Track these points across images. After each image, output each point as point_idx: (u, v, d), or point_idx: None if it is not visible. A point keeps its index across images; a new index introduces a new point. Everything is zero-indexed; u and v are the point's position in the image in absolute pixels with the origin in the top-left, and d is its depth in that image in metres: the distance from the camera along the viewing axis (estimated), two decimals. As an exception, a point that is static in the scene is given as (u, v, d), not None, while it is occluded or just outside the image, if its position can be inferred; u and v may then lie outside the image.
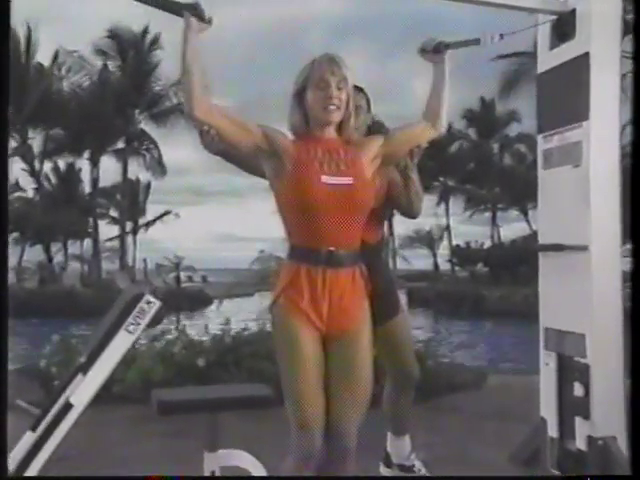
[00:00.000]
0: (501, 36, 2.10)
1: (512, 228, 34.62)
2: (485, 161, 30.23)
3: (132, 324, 1.71)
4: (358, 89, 2.33)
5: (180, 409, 2.00)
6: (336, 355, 1.82)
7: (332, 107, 1.81)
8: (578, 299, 2.51)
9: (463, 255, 29.69)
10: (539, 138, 2.75)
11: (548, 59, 2.71)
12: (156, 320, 1.76)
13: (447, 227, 33.40)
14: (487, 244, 30.38)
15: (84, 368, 1.70)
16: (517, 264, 20.94)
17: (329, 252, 1.79)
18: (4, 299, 1.59)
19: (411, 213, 2.40)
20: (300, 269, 1.80)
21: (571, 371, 2.53)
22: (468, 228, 37.21)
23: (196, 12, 1.71)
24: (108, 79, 24.45)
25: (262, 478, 1.99)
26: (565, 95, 2.61)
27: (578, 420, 2.47)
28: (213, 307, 17.87)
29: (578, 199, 2.52)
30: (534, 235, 2.42)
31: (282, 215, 1.85)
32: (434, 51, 1.99)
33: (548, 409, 2.65)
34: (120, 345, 1.70)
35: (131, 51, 24.44)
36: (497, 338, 12.30)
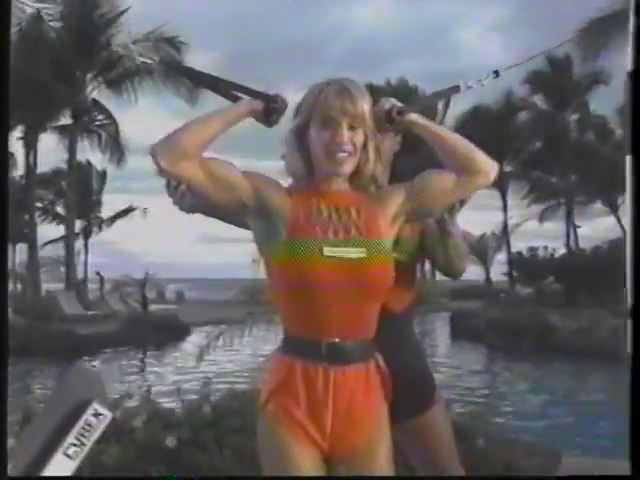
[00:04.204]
0: (496, 73, 2.07)
1: (596, 229, 34.41)
2: (557, 139, 30.04)
3: (74, 445, 1.68)
4: None
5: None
6: None
7: (342, 155, 1.81)
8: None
9: (526, 266, 29.59)
10: (628, 160, 2.72)
11: (641, 52, 2.68)
12: (106, 435, 1.75)
13: (504, 227, 33.31)
14: (560, 251, 30.30)
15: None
16: (602, 280, 20.58)
17: (332, 345, 1.79)
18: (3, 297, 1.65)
19: (451, 272, 2.41)
20: (295, 366, 1.81)
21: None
22: (534, 229, 37.13)
23: (269, 109, 1.80)
24: (47, 31, 24.54)
25: (262, 478, 2.03)
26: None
27: None
28: (192, 339, 17.75)
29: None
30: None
31: (273, 292, 1.86)
32: (387, 121, 1.89)
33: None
34: (56, 474, 1.69)
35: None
36: (573, 392, 11.58)
